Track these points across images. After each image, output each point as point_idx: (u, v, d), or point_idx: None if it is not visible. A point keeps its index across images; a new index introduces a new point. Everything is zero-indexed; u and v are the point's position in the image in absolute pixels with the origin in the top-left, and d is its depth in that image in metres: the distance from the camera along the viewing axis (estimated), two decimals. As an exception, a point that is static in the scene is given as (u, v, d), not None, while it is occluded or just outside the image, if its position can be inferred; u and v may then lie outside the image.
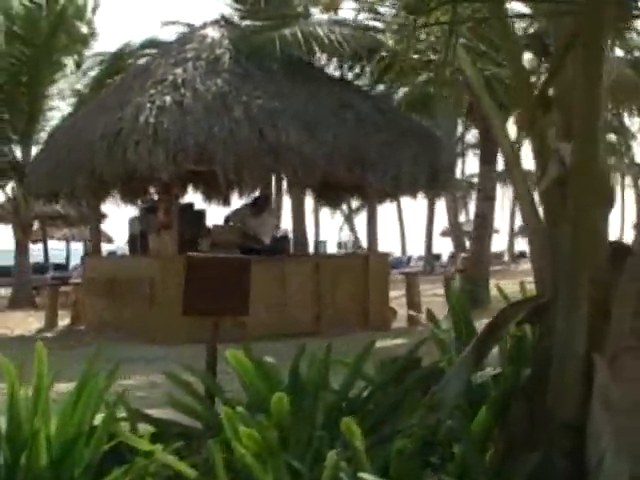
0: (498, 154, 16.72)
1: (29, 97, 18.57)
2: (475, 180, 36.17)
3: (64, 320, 14.98)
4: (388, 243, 45.86)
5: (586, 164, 3.27)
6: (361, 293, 13.16)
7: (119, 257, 15.66)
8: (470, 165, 40.61)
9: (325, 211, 27.61)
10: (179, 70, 12.03)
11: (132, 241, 13.43)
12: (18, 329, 14.66)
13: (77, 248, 32.47)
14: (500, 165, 20.01)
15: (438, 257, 36.93)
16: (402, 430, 3.81)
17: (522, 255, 36.24)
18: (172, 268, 11.62)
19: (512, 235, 42.20)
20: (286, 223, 22.23)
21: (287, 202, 20.57)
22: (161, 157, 10.71)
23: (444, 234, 41.71)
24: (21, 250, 19.61)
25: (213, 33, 13.29)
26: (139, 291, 12.16)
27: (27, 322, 15.54)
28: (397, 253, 40.16)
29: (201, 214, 13.37)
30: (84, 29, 25.36)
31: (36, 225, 27.53)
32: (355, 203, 37.94)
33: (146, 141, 10.76)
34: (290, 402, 3.80)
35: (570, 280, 3.57)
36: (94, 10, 28.15)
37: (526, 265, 34.91)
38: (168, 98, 11.35)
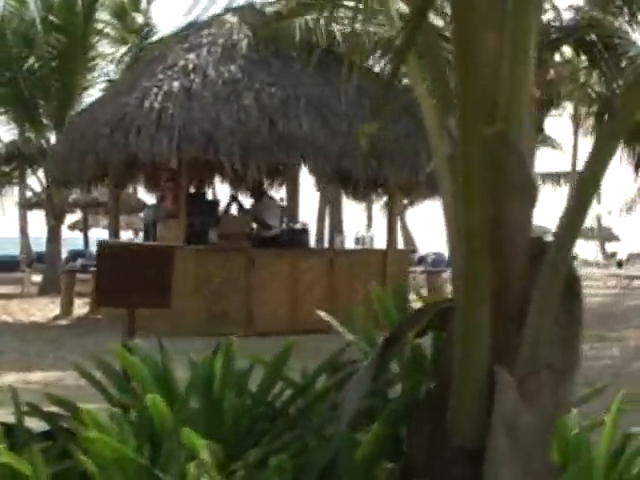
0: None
1: (63, 84, 18.51)
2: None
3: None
4: (439, 242, 45.31)
5: (472, 141, 2.80)
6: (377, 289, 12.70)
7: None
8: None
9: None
10: (192, 55, 11.74)
11: (146, 230, 13.21)
12: (36, 316, 14.59)
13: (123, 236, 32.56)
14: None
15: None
16: (289, 444, 3.42)
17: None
18: (178, 258, 11.36)
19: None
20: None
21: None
22: (164, 144, 10.42)
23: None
24: (53, 237, 19.60)
25: (232, 18, 12.96)
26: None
27: (48, 309, 15.47)
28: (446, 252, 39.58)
29: (213, 204, 13.07)
30: (139, 19, 25.44)
31: (79, 213, 27.71)
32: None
33: (149, 127, 10.49)
34: (176, 404, 3.44)
35: (468, 278, 3.09)
36: (150, 1, 28.27)
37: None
38: (176, 84, 11.07)
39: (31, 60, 18.22)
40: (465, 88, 2.68)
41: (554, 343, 3.18)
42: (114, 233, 14.17)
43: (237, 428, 3.68)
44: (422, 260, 24.36)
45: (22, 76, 17.95)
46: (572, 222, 3.09)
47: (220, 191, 17.90)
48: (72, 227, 30.52)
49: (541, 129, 15.92)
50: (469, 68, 2.66)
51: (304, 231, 13.42)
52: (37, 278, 20.28)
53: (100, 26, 19.34)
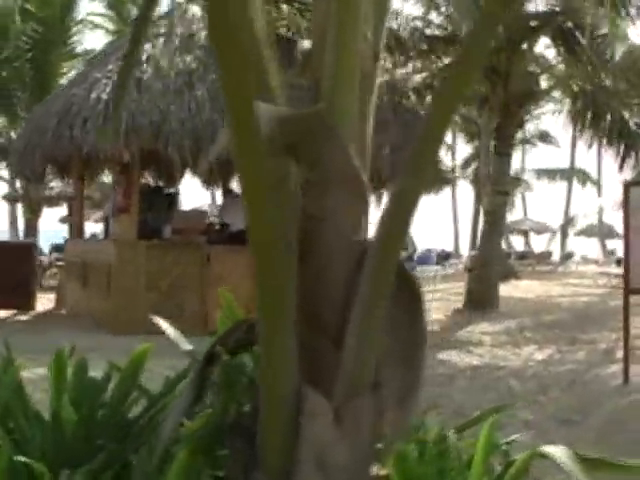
0: (513, 146, 15.71)
1: (38, 75, 18.23)
2: (523, 176, 34.91)
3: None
4: (441, 239, 44.79)
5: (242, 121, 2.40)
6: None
7: (92, 241, 15.10)
8: (515, 160, 39.42)
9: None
10: (146, 46, 11.37)
11: (105, 225, 12.88)
12: (-1, 311, 14.30)
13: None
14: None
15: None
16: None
17: (569, 255, 34.85)
18: (128, 254, 11.06)
19: (564, 234, 40.59)
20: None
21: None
22: (110, 135, 10.06)
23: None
24: (29, 230, 19.35)
25: (195, 9, 12.60)
26: (99, 278, 11.62)
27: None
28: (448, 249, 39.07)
29: (172, 198, 12.69)
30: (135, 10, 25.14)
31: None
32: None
33: (95, 119, 10.14)
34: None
35: (262, 288, 2.70)
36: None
37: (575, 266, 33.51)
38: (127, 74, 10.68)
39: (7, 51, 17.97)
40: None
41: (389, 361, 2.80)
42: (77, 228, 13.86)
43: (79, 445, 3.33)
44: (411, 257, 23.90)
45: (-3, 66, 17.72)
46: (398, 219, 2.67)
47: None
48: (64, 220, 30.25)
49: (521, 125, 15.48)
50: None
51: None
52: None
53: (90, 17, 19.04)
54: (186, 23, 12.05)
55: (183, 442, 2.99)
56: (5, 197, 25.88)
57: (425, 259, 24.08)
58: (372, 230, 2.64)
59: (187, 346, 3.79)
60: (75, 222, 13.81)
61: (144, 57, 11.08)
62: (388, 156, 11.59)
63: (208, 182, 15.43)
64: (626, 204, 8.07)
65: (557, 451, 2.61)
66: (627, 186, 8.19)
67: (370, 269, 2.60)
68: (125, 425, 3.49)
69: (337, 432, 2.54)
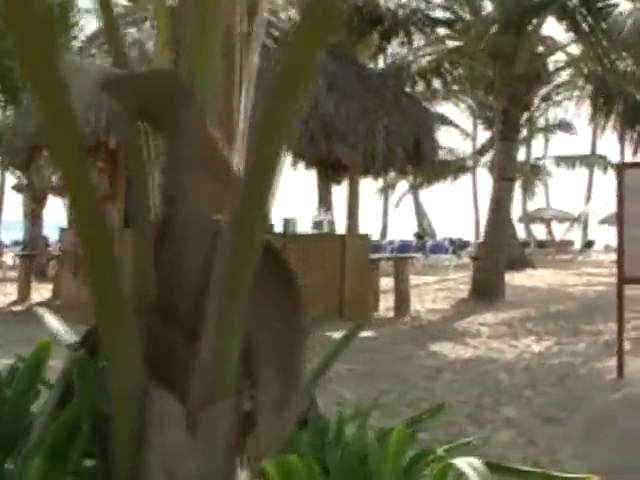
0: (520, 131, 15.23)
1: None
2: (541, 163, 34.26)
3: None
4: (462, 227, 44.23)
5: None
6: (335, 279, 11.98)
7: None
8: (537, 148, 38.49)
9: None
10: (133, 29, 11.05)
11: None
12: (-3, 301, 14.13)
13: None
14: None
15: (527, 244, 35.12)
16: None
17: (590, 244, 34.14)
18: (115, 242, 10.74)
19: (585, 222, 39.88)
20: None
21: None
22: (91, 123, 9.76)
23: (520, 220, 39.78)
24: (34, 221, 19.14)
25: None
26: (73, 266, 11.36)
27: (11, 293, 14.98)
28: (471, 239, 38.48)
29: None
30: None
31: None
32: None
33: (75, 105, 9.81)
34: None
35: (92, 278, 2.33)
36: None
37: (595, 255, 32.89)
38: (110, 59, 10.36)
39: (8, 42, 17.73)
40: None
41: (264, 361, 2.44)
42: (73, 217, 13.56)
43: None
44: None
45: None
46: (254, 191, 2.28)
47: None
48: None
49: (527, 108, 14.98)
50: None
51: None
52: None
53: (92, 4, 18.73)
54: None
55: (41, 447, 2.67)
56: (14, 188, 25.81)
57: (438, 248, 23.70)
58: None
59: (72, 337, 3.45)
60: (37, 212, 13.56)
61: (129, 40, 10.76)
62: (383, 142, 11.18)
63: None
64: (620, 187, 7.63)
65: (469, 463, 2.35)
66: (621, 167, 7.76)
67: (224, 252, 2.23)
68: (26, 423, 3.19)
69: (190, 440, 2.19)
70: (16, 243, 26.19)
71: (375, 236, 40.60)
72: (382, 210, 46.02)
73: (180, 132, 2.35)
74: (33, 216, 19.10)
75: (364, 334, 11.33)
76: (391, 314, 12.90)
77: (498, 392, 7.58)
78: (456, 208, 56.63)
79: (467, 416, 6.87)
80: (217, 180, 2.42)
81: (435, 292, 17.12)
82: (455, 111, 28.88)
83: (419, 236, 28.60)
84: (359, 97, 11.36)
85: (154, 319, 2.29)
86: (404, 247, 23.71)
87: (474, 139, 36.80)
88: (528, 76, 14.25)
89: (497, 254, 14.79)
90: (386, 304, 13.30)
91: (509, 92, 14.30)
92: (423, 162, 12.14)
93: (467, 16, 14.54)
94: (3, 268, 18.73)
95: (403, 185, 39.62)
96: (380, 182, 36.43)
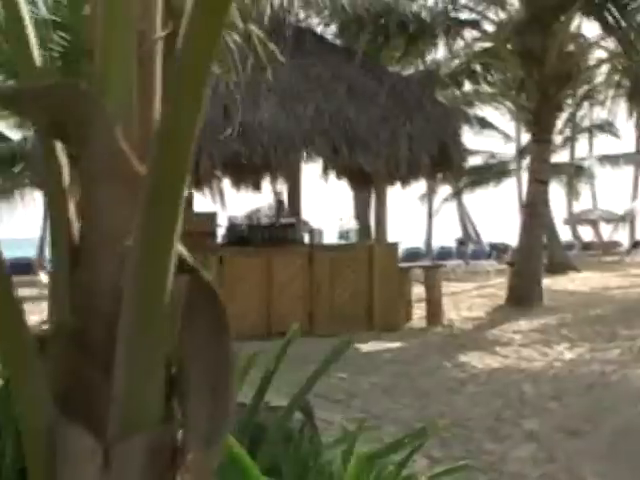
0: (553, 133, 14.86)
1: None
2: (585, 164, 33.59)
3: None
4: (509, 232, 43.52)
5: None
6: (364, 288, 11.74)
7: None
8: (580, 149, 37.74)
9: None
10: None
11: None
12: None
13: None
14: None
15: (571, 246, 34.42)
16: None
17: (637, 244, 33.26)
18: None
19: (632, 222, 38.97)
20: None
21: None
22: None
23: (566, 222, 39.03)
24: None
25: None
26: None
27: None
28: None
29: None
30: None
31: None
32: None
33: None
34: None
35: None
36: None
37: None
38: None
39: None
40: None
41: (191, 391, 2.24)
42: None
43: None
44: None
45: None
46: (161, 201, 2.08)
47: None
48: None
49: (559, 108, 14.59)
50: None
51: (291, 226, 12.50)
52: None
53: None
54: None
55: None
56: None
57: (479, 253, 23.30)
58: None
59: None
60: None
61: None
62: (406, 148, 10.93)
63: (237, 182, 15.05)
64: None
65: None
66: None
67: (131, 271, 2.04)
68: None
69: (105, 476, 2.00)
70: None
71: (419, 243, 40.28)
72: (426, 216, 45.52)
73: (89, 146, 2.16)
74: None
75: (393, 345, 11.08)
76: (425, 323, 12.62)
77: (521, 404, 7.28)
78: (502, 212, 55.87)
79: (486, 430, 6.60)
80: (131, 196, 2.21)
81: (473, 299, 16.77)
82: (496, 114, 28.31)
83: (461, 242, 28.19)
84: (381, 103, 11.14)
85: (69, 349, 2.10)
86: (444, 253, 23.36)
87: (516, 142, 36.24)
88: (559, 76, 13.87)
89: (533, 259, 14.42)
90: (422, 313, 13.01)
91: (540, 93, 13.94)
92: (450, 167, 11.84)
93: (494, 16, 14.24)
94: (40, 286, 18.77)
95: (446, 190, 39.20)
96: (422, 188, 36.13)
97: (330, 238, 12.73)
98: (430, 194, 41.15)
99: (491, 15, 14.15)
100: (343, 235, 12.22)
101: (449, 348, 10.44)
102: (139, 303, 2.00)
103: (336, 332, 11.28)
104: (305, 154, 10.65)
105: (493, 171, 31.46)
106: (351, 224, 12.38)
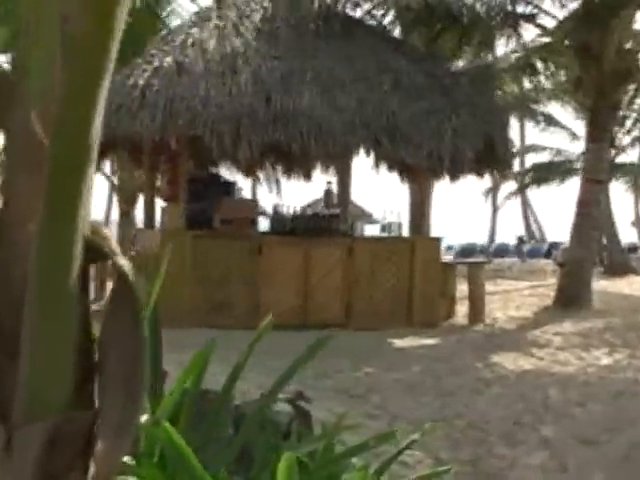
0: (610, 131, 14.46)
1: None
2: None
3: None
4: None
5: None
6: (404, 283, 11.60)
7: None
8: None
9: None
10: (195, 30, 11.00)
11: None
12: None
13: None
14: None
15: (636, 249, 33.66)
16: None
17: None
18: (175, 244, 10.72)
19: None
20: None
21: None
22: (145, 122, 9.74)
23: (634, 224, 38.08)
24: (126, 221, 19.45)
25: (256, -11, 12.14)
26: (146, 267, 11.36)
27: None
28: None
29: (228, 187, 12.27)
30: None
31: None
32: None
33: (130, 105, 9.82)
34: None
35: None
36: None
37: None
38: (168, 59, 10.35)
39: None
40: None
41: (105, 382, 2.19)
42: (148, 218, 13.67)
43: None
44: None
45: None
46: (58, 184, 2.03)
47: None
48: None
49: (617, 106, 14.19)
50: None
51: (332, 217, 12.42)
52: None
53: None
54: (240, 5, 11.59)
55: None
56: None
57: (536, 252, 22.88)
58: None
59: None
60: (147, 213, 13.61)
61: (190, 41, 10.71)
62: (450, 143, 10.74)
63: (247, 172, 15.03)
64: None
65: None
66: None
67: (34, 255, 2.00)
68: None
69: (7, 462, 1.97)
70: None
71: (483, 238, 39.89)
72: (490, 212, 45.06)
73: (9, 132, 2.12)
74: (125, 217, 19.41)
75: (429, 341, 10.93)
76: (467, 321, 12.43)
77: (544, 409, 7.09)
78: (568, 211, 54.76)
79: (502, 434, 6.43)
80: (40, 184, 2.16)
81: (524, 298, 16.49)
82: (562, 111, 27.70)
83: (520, 239, 27.73)
84: (426, 96, 10.97)
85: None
86: (501, 250, 23.00)
87: (584, 140, 35.41)
88: (617, 73, 13.49)
89: (583, 260, 14.06)
90: (466, 310, 12.80)
91: (596, 90, 13.58)
92: (496, 163, 11.60)
93: (552, 10, 13.89)
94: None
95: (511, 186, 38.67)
96: (487, 183, 35.64)
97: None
98: (495, 190, 40.67)
99: (548, 8, 13.79)
100: (385, 228, 12.09)
101: (485, 347, 10.25)
102: (41, 287, 1.95)
103: (374, 326, 11.21)
104: (347, 145, 10.51)
105: (558, 169, 30.82)
106: (393, 217, 12.24)
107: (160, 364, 3.06)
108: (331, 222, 12.30)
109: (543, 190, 34.29)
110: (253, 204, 11.72)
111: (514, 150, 12.22)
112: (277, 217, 12.26)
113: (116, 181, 20.04)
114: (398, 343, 10.48)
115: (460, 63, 14.54)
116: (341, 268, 11.35)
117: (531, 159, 35.44)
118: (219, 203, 11.25)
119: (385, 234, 12.17)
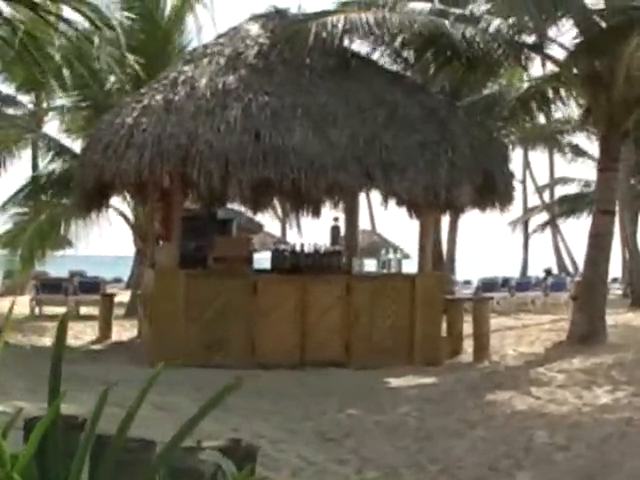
0: (620, 160, 14.11)
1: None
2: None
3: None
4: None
5: None
6: (405, 320, 11.34)
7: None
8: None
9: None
10: (188, 67, 10.97)
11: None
12: (79, 339, 14.23)
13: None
14: None
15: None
16: None
17: None
18: (167, 283, 10.63)
19: None
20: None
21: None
22: (133, 160, 9.67)
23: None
24: (141, 258, 19.42)
25: (254, 27, 12.09)
26: (146, 308, 11.28)
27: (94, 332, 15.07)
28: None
29: (224, 225, 12.15)
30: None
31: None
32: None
33: (117, 144, 9.78)
34: None
35: None
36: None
37: None
38: (158, 97, 10.30)
39: (110, 82, 18.18)
40: None
41: None
42: (148, 256, 13.58)
43: None
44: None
45: (101, 98, 17.90)
46: None
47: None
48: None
49: (627, 136, 13.86)
50: None
51: (336, 254, 12.22)
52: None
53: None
54: (236, 42, 11.53)
55: None
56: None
57: (560, 285, 22.37)
58: None
59: None
60: (143, 249, 13.54)
61: (182, 78, 10.66)
62: (447, 176, 10.52)
63: (254, 208, 14.88)
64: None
65: None
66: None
67: None
68: None
69: None
70: (117, 280, 26.73)
71: (515, 272, 39.19)
72: (522, 244, 44.46)
73: None
74: (140, 254, 19.39)
75: (426, 380, 10.62)
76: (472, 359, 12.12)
77: (524, 453, 6.78)
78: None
79: (474, 480, 6.16)
80: None
81: (541, 333, 16.06)
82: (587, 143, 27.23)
83: (548, 272, 27.23)
84: (421, 129, 10.78)
85: None
86: (523, 284, 22.54)
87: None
88: (627, 101, 13.18)
89: (596, 294, 13.66)
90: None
91: (606, 119, 13.27)
92: (497, 196, 11.36)
93: (559, 39, 13.62)
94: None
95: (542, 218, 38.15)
96: (513, 215, 35.14)
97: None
98: (523, 222, 40.16)
99: (554, 37, 13.53)
100: (385, 264, 11.86)
101: (483, 386, 9.94)
102: None
103: (374, 365, 10.95)
104: (339, 181, 10.34)
105: (584, 200, 30.33)
106: (392, 254, 12.01)
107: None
108: (332, 259, 12.11)
109: (578, 222, 33.63)
110: (247, 242, 11.57)
111: (515, 183, 11.90)
112: (277, 254, 12.09)
113: (132, 218, 20.05)
114: (394, 382, 10.21)
115: (465, 95, 14.38)
116: (340, 306, 11.13)
117: (562, 191, 34.99)
118: (213, 241, 11.13)
119: (384, 270, 11.94)
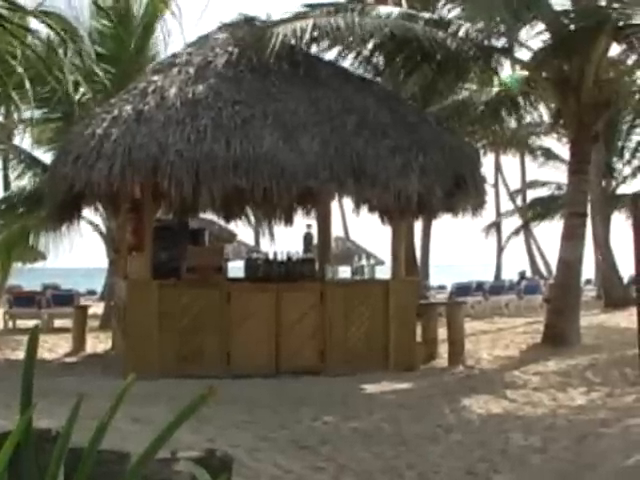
0: (590, 163, 14.22)
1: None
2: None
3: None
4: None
5: None
6: (379, 326, 11.34)
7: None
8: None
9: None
10: (156, 77, 10.91)
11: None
12: (53, 352, 14.10)
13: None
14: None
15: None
16: None
17: None
18: (140, 294, 10.56)
19: None
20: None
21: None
22: (102, 172, 9.60)
23: None
24: (114, 269, 19.29)
25: (223, 36, 12.08)
26: (119, 319, 11.19)
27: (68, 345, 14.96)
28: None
29: (196, 234, 12.10)
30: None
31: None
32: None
33: (87, 155, 9.70)
34: None
35: None
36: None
37: None
38: (128, 107, 10.24)
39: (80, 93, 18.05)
40: None
41: None
42: (122, 267, 13.48)
43: None
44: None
45: (70, 110, 17.76)
46: None
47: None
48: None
49: (596, 139, 13.98)
50: None
51: (308, 261, 12.20)
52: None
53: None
54: (205, 51, 11.50)
55: None
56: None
57: (533, 289, 22.51)
58: None
59: None
60: (116, 260, 13.45)
61: (151, 88, 10.61)
62: (418, 181, 10.54)
63: (226, 217, 14.91)
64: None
65: None
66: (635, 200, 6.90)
67: None
68: None
69: None
70: (91, 292, 26.57)
71: (489, 276, 39.42)
72: (496, 249, 44.70)
73: None
74: (112, 265, 19.28)
75: (402, 386, 10.62)
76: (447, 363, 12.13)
77: (501, 456, 6.78)
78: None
79: (450, 486, 6.14)
80: None
81: (515, 336, 16.12)
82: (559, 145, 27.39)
83: (522, 276, 27.39)
84: (392, 135, 10.79)
85: None
86: (497, 288, 22.65)
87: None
88: (596, 104, 13.29)
89: (569, 296, 13.75)
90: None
91: (576, 122, 13.38)
92: (466, 201, 11.39)
93: (528, 43, 13.71)
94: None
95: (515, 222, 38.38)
96: (486, 219, 35.31)
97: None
98: (498, 225, 40.35)
99: (523, 41, 13.62)
100: (358, 271, 11.85)
101: (458, 391, 9.94)
102: None
103: (348, 372, 10.93)
104: (310, 188, 10.33)
105: (559, 203, 30.54)
106: (365, 260, 12.00)
107: None
108: (305, 266, 12.08)
109: (550, 225, 33.80)
110: (220, 251, 11.53)
111: (486, 186, 11.92)
112: (250, 263, 12.06)
113: (104, 230, 19.93)
114: (369, 389, 10.19)
115: (436, 102, 14.43)
116: (313, 313, 11.11)
117: (534, 194, 35.15)
118: (186, 251, 11.08)
119: (357, 276, 11.93)
